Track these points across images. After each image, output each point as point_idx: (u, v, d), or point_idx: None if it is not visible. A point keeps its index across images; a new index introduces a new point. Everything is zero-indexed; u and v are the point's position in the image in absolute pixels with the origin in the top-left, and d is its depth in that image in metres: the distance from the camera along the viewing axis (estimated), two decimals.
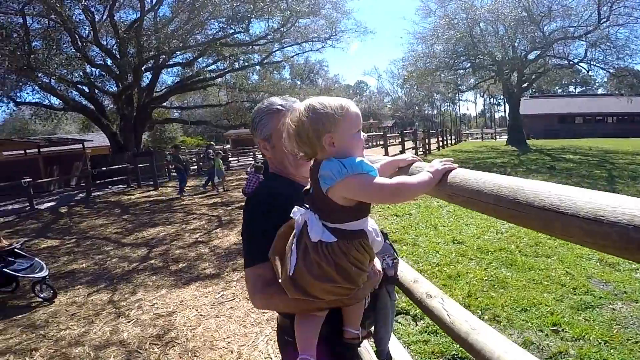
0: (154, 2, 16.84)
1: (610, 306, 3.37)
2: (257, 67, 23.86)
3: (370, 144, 25.24)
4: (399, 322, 3.27)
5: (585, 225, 0.72)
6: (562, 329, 3.01)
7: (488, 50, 23.22)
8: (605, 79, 28.55)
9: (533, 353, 2.69)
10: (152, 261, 5.89)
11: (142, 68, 16.56)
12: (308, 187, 1.12)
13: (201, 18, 16.08)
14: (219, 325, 3.66)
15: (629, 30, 20.48)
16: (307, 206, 1.09)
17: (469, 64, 25.01)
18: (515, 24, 21.19)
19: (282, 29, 18.97)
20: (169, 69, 21.57)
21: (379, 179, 1.02)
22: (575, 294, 3.64)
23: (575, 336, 2.90)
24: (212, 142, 22.59)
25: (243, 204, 6.82)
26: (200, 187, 13.72)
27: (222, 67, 21.40)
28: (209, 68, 20.94)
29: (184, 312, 4.00)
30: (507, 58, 22.94)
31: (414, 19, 28.96)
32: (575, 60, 23.41)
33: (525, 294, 3.66)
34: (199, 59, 19.83)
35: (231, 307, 4.01)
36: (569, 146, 22.47)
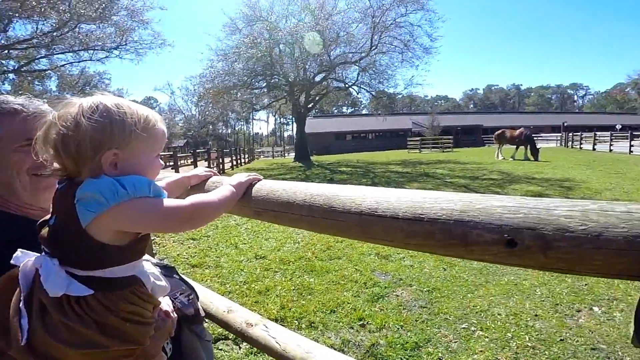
0: None
1: (395, 294, 3.95)
2: (12, 76, 19.09)
3: None
4: (220, 349, 3.02)
5: (406, 227, 0.69)
6: (367, 322, 3.35)
7: (283, 71, 25.06)
8: (368, 101, 34.73)
9: (353, 350, 2.89)
10: None
11: None
12: (47, 217, 0.80)
13: None
14: None
15: (388, 58, 25.68)
16: (43, 248, 0.78)
17: (265, 84, 26.41)
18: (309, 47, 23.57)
19: (54, 33, 15.64)
20: None
21: (171, 201, 0.79)
22: (367, 288, 4.13)
23: (378, 327, 3.25)
24: None
25: None
26: None
27: None
28: None
29: None
30: (298, 79, 25.32)
31: (219, 35, 28.78)
32: (350, 83, 27.60)
33: (330, 296, 3.94)
34: None
35: None
36: (342, 160, 26.35)
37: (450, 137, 36.23)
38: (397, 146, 42.43)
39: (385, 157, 26.55)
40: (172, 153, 13.77)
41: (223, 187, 0.92)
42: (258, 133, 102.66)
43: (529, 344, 2.84)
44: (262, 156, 46.91)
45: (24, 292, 0.74)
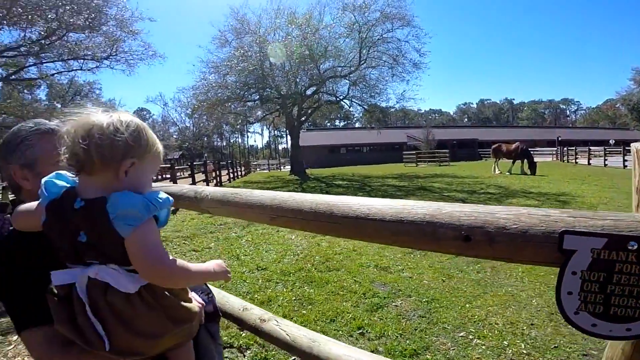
0: None
1: (394, 304, 4.04)
2: None
3: (157, 177, 23.25)
4: (225, 357, 3.10)
5: (392, 227, 0.89)
6: (366, 331, 3.43)
7: (275, 84, 25.22)
8: (361, 114, 34.96)
9: None
10: None
11: None
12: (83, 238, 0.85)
13: None
14: None
15: (378, 72, 25.95)
16: (88, 261, 0.85)
17: (258, 97, 26.56)
18: (299, 61, 23.77)
19: (43, 41, 15.73)
20: None
21: (161, 245, 0.87)
22: (366, 298, 4.21)
23: (378, 335, 3.34)
24: None
25: None
26: None
27: None
28: None
29: None
30: (290, 92, 25.48)
31: (210, 47, 29.05)
32: (341, 97, 27.84)
33: (329, 306, 4.03)
34: None
35: None
36: (337, 174, 26.51)
37: (446, 150, 36.33)
38: (392, 159, 42.73)
39: (381, 171, 26.76)
40: (169, 165, 13.74)
41: (205, 264, 0.99)
42: (253, 145, 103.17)
43: (525, 351, 2.95)
44: (258, 169, 46.98)
45: (89, 302, 0.83)
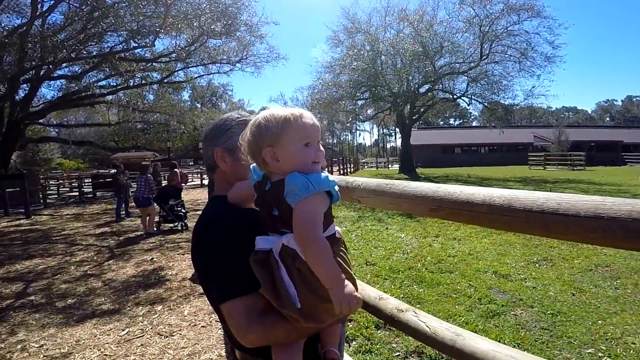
0: (44, 8, 14.54)
1: (512, 313, 3.74)
2: (155, 86, 22.22)
3: None
4: None
5: (586, 223, 0.80)
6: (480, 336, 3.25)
7: (387, 82, 25.04)
8: (480, 112, 32.67)
9: None
10: (32, 297, 4.99)
11: (20, 78, 14.46)
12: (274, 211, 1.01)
13: (99, 29, 14.58)
14: None
15: (502, 67, 23.96)
16: (282, 230, 1.00)
17: (369, 95, 26.58)
18: (412, 58, 23.19)
19: (189, 47, 17.95)
20: (51, 82, 18.95)
21: (318, 223, 0.95)
22: (481, 304, 3.97)
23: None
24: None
25: (137, 232, 6.23)
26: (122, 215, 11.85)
27: (115, 84, 19.51)
28: (100, 83, 19.00)
29: (83, 353, 3.41)
30: (402, 90, 25.03)
31: (324, 47, 30.26)
32: (458, 95, 26.44)
33: (440, 307, 3.89)
34: (89, 73, 17.90)
35: (142, 345, 3.54)
36: (451, 174, 25.21)
37: (581, 153, 31.69)
38: (515, 161, 38.94)
39: (501, 173, 24.66)
40: None
41: (341, 273, 0.98)
42: (361, 143, 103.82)
43: None
44: (366, 166, 47.18)
45: (283, 266, 0.98)
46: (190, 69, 21.40)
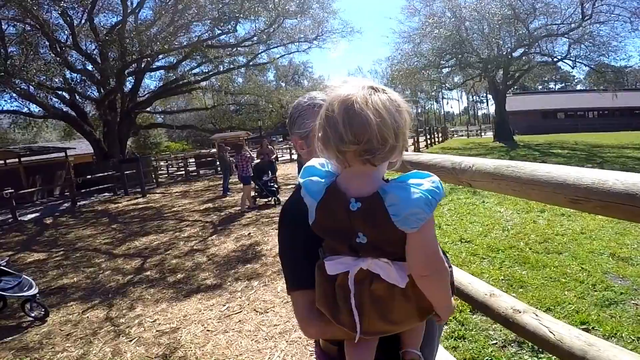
0: (134, 5, 16.41)
1: (633, 302, 3.27)
2: (242, 70, 23.47)
3: None
4: None
5: None
6: (592, 327, 2.90)
7: (474, 49, 23.34)
8: (585, 75, 28.86)
9: None
10: (148, 272, 5.60)
11: (125, 72, 16.11)
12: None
13: (185, 20, 15.78)
14: (230, 342, 3.42)
15: (609, 28, 20.79)
16: (361, 253, 0.83)
17: (455, 62, 25.02)
18: (501, 22, 21.28)
19: (268, 29, 18.62)
20: (151, 73, 21.25)
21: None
22: (595, 290, 3.53)
23: (607, 334, 2.79)
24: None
25: (236, 207, 6.55)
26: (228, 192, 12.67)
27: (207, 70, 21.10)
28: (194, 71, 20.67)
29: (189, 328, 3.75)
30: (492, 56, 23.10)
31: (400, 17, 28.93)
32: (559, 57, 23.65)
33: (546, 293, 3.53)
34: (183, 62, 19.48)
35: (240, 321, 3.77)
36: (554, 141, 22.73)
37: None
38: (631, 127, 33.97)
39: (615, 140, 21.61)
40: None
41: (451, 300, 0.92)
42: (449, 112, 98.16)
43: None
44: (455, 135, 44.60)
45: (353, 290, 0.84)
46: (271, 50, 22.37)
